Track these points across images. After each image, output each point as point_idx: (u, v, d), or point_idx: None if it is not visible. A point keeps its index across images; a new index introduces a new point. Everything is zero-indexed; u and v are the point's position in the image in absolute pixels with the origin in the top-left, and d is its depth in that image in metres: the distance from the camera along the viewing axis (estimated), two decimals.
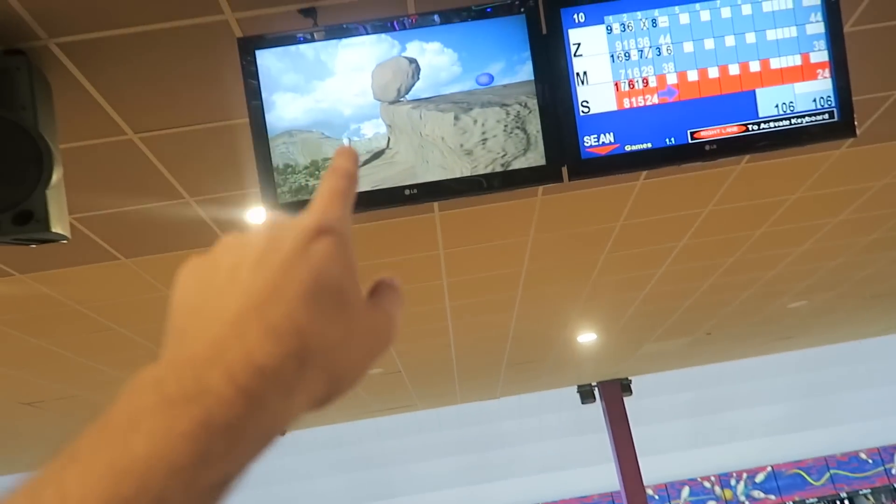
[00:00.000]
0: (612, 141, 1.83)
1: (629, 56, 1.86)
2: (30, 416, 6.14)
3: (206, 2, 1.90)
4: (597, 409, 10.80)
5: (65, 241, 2.01)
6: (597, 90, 1.84)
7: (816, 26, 1.88)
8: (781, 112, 1.88)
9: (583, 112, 1.84)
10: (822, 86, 1.86)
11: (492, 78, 1.81)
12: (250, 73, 1.80)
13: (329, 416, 8.67)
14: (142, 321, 4.30)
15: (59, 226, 1.82)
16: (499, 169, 1.81)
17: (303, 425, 8.97)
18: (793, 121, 1.88)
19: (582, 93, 1.84)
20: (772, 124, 1.87)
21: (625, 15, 1.85)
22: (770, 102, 1.88)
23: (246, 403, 0.33)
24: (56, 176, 1.83)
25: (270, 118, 1.80)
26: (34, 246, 1.95)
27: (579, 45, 1.85)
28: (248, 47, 1.81)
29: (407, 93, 1.79)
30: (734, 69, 1.88)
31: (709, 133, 1.85)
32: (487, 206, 3.45)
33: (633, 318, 6.19)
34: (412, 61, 1.79)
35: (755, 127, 1.87)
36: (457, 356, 6.50)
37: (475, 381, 7.82)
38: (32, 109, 1.83)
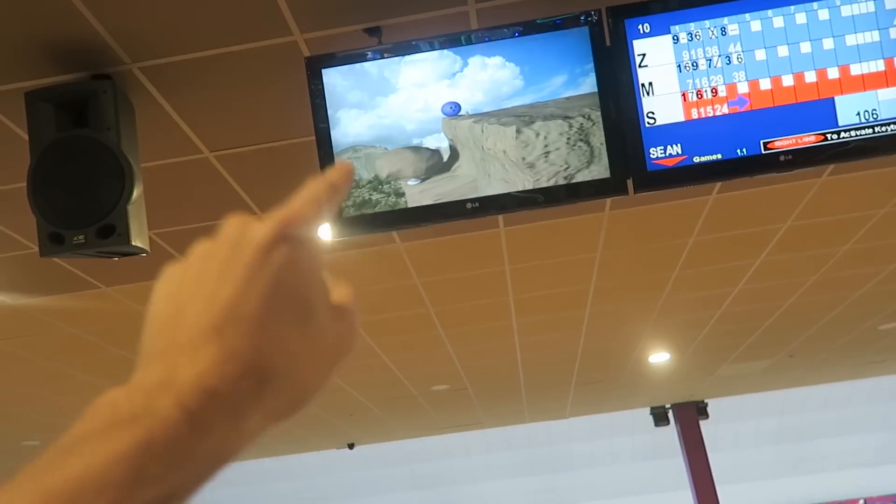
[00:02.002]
0: (680, 152, 1.78)
1: (697, 65, 1.81)
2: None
3: (276, 24, 1.97)
4: (671, 432, 10.43)
5: (144, 255, 2.11)
6: (663, 101, 1.80)
7: None
8: (864, 120, 1.78)
9: (648, 123, 1.80)
10: None
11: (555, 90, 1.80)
12: (317, 91, 1.85)
13: (396, 432, 8.72)
14: None
15: (139, 240, 1.91)
16: (562, 182, 1.79)
17: (370, 440, 9.06)
18: (877, 129, 1.78)
19: (647, 104, 1.80)
20: (853, 133, 1.78)
21: (692, 24, 1.81)
22: (851, 110, 1.78)
23: (191, 426, 0.32)
24: (136, 192, 1.93)
25: (336, 134, 1.84)
26: (117, 259, 2.06)
27: (644, 55, 1.82)
28: (315, 66, 1.87)
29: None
30: (811, 76, 1.80)
31: (783, 143, 1.78)
32: (553, 221, 3.41)
33: (709, 338, 5.97)
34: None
35: (835, 136, 1.78)
36: (524, 374, 6.43)
37: (543, 400, 7.70)
38: (116, 130, 1.93)
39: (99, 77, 2.01)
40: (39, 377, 4.90)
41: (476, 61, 1.82)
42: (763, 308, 5.30)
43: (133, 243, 1.86)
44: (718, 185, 3.23)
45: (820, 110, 1.79)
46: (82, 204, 1.83)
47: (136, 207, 1.95)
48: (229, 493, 14.57)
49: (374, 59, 1.86)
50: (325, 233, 3.18)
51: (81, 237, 1.79)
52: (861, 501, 14.74)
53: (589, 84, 1.80)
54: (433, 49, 1.85)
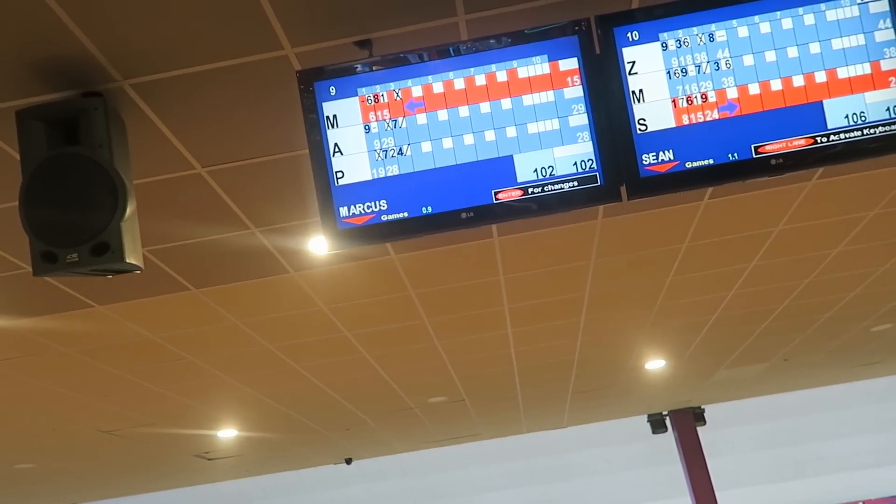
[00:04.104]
0: (672, 158, 1.79)
1: (686, 72, 1.82)
2: (108, 443, 6.39)
3: (266, 38, 1.97)
4: (669, 439, 10.42)
5: (139, 272, 2.10)
6: (654, 107, 1.81)
7: (886, 33, 1.80)
8: (852, 123, 1.80)
9: (640, 130, 1.81)
10: None
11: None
12: (309, 104, 1.85)
13: (393, 445, 8.67)
14: (211, 350, 4.43)
15: (133, 256, 1.90)
16: (555, 191, 1.80)
17: (368, 455, 9.01)
18: (865, 131, 1.80)
19: (638, 111, 1.81)
20: (842, 136, 1.80)
21: (680, 31, 1.83)
22: (839, 113, 1.80)
23: None
24: (130, 209, 1.92)
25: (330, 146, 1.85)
26: (111, 276, 2.04)
27: (634, 63, 1.83)
28: (307, 79, 1.87)
29: None
30: (798, 80, 1.81)
31: (774, 147, 1.79)
32: (547, 230, 3.42)
33: (704, 343, 5.98)
34: None
35: (824, 139, 1.79)
36: (521, 383, 6.42)
37: (541, 410, 7.69)
38: (108, 147, 1.93)
39: (90, 94, 2.01)
40: (32, 398, 4.85)
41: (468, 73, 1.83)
42: (757, 312, 5.32)
43: (127, 260, 1.85)
44: (710, 190, 3.25)
45: (809, 114, 1.81)
46: (75, 222, 1.83)
47: (130, 224, 1.94)
48: None
49: (366, 71, 1.87)
50: (321, 246, 3.18)
51: (75, 255, 1.78)
52: (860, 503, 14.73)
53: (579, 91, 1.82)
54: (424, 61, 1.86)
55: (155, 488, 10.27)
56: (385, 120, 1.85)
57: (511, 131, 1.84)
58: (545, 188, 1.81)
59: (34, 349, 3.94)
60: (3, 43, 1.84)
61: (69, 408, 5.20)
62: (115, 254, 1.81)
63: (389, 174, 1.83)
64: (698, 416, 9.64)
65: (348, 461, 9.64)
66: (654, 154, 1.79)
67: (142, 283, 3.32)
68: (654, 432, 9.71)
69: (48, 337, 3.79)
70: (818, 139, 1.79)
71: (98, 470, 7.66)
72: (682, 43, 1.82)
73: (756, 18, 1.81)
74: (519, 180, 1.82)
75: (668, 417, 9.68)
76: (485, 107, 1.85)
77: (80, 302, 3.42)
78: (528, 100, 1.84)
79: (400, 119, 1.85)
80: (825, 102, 1.81)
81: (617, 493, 15.12)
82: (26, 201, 1.87)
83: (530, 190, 1.81)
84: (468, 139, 1.84)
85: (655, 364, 6.42)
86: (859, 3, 1.81)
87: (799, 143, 1.79)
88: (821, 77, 1.82)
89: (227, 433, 6.81)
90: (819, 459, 14.71)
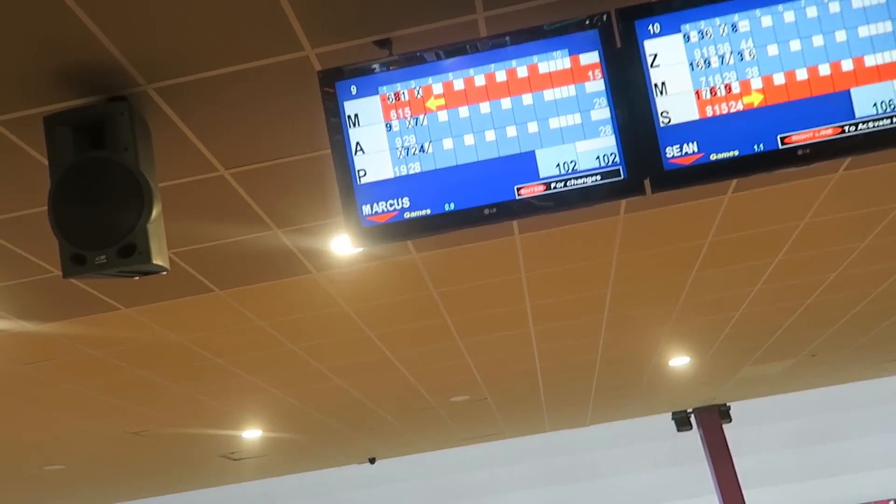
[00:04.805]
0: (696, 150, 1.77)
1: (709, 63, 1.80)
2: (135, 444, 6.47)
3: (287, 40, 1.99)
4: (694, 437, 10.32)
5: (164, 273, 2.12)
6: (677, 100, 1.79)
7: None
8: (881, 111, 1.77)
9: (663, 123, 1.79)
10: None
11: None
12: (331, 104, 1.86)
13: (416, 445, 8.69)
14: (235, 351, 4.47)
15: (159, 257, 1.92)
16: (578, 185, 1.79)
17: (390, 455, 9.03)
18: (895, 119, 1.76)
19: (661, 104, 1.80)
20: (871, 124, 1.76)
21: (702, 22, 1.81)
22: (867, 101, 1.77)
23: None
24: (156, 211, 1.94)
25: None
26: (137, 278, 2.07)
27: (656, 55, 1.82)
28: (328, 79, 1.88)
29: None
30: (825, 69, 1.79)
31: (801, 137, 1.76)
32: (568, 226, 3.40)
33: (729, 339, 5.92)
34: None
35: (852, 128, 1.76)
36: (543, 382, 6.40)
37: (564, 408, 7.65)
38: (134, 150, 1.95)
39: (115, 99, 2.04)
40: (61, 400, 4.93)
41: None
42: (783, 308, 5.25)
43: (154, 261, 1.87)
44: (734, 184, 3.22)
45: (836, 103, 1.78)
46: (103, 224, 1.85)
47: (156, 226, 1.97)
48: None
49: (385, 70, 1.87)
50: (344, 246, 3.20)
51: (103, 257, 1.81)
52: (891, 502, 14.47)
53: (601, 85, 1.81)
54: (444, 58, 1.86)
55: (181, 489, 10.39)
56: (406, 118, 1.85)
57: (532, 126, 1.83)
58: (568, 183, 1.80)
59: (62, 352, 4.00)
60: (29, 51, 1.88)
61: (97, 409, 5.28)
62: (142, 255, 1.83)
63: (412, 172, 1.83)
64: (724, 414, 9.53)
65: (372, 461, 9.68)
66: (678, 147, 1.77)
67: (167, 286, 3.36)
68: (678, 430, 9.62)
69: (76, 340, 3.85)
70: (846, 128, 1.76)
71: (125, 471, 7.76)
72: (704, 34, 1.80)
73: (780, 7, 1.79)
74: (541, 175, 1.81)
75: (693, 415, 9.59)
76: (506, 103, 1.84)
77: (106, 304, 3.47)
78: (549, 94, 1.84)
79: (421, 117, 1.85)
80: (853, 91, 1.78)
81: (642, 492, 14.99)
82: (55, 205, 1.90)
83: (553, 185, 1.80)
84: (489, 135, 1.84)
85: (679, 361, 6.36)
86: None
87: (826, 132, 1.76)
88: (847, 65, 1.79)
89: (252, 433, 6.87)
90: (847, 457, 14.47)
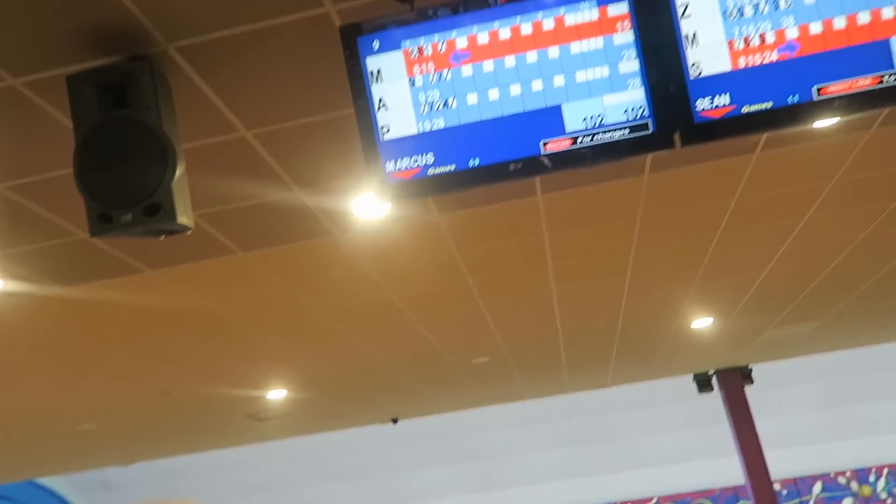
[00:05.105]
0: (728, 103, 1.72)
1: (743, 13, 1.74)
2: (164, 404, 6.63)
3: None
4: (715, 399, 10.33)
5: (189, 233, 2.13)
6: (708, 51, 1.74)
7: None
8: None
9: (694, 75, 1.74)
10: None
11: None
12: (353, 60, 1.83)
13: (436, 405, 8.79)
14: (259, 313, 4.52)
15: (184, 217, 1.93)
16: (605, 140, 1.75)
17: (411, 415, 9.16)
18: None
19: (692, 55, 1.74)
20: None
21: None
22: None
23: None
24: (179, 170, 1.94)
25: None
26: (163, 237, 2.08)
27: (687, 6, 1.76)
28: (349, 35, 1.85)
29: None
30: (864, 17, 1.72)
31: (837, 88, 1.70)
32: (592, 186, 3.36)
33: (753, 300, 5.86)
34: None
35: (891, 78, 1.70)
36: (564, 343, 6.41)
37: (584, 369, 7.68)
38: (156, 109, 1.95)
39: (136, 58, 2.03)
40: (90, 362, 5.04)
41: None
42: (809, 269, 5.17)
43: (178, 220, 1.88)
44: (762, 141, 3.14)
45: (874, 52, 1.71)
46: (128, 184, 1.86)
47: (180, 185, 1.97)
48: (276, 472, 14.92)
49: (406, 24, 1.83)
50: (366, 207, 3.19)
51: (129, 216, 1.82)
52: None
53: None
54: (466, 11, 1.81)
55: (208, 447, 10.66)
56: (430, 73, 1.82)
57: (559, 80, 1.79)
58: (595, 137, 1.76)
59: (90, 314, 4.07)
60: (51, 11, 1.86)
61: (125, 370, 5.39)
62: (167, 214, 1.84)
63: (435, 127, 1.80)
64: (746, 376, 9.52)
65: (394, 421, 9.83)
66: (709, 99, 1.72)
67: (190, 247, 3.39)
68: (700, 392, 9.63)
69: (102, 302, 3.91)
70: (885, 78, 1.70)
71: (155, 430, 7.97)
72: None
73: None
74: (567, 130, 1.77)
75: (714, 377, 9.58)
76: (531, 56, 1.80)
77: (131, 267, 3.51)
78: (576, 47, 1.79)
79: (445, 71, 1.81)
80: (892, 40, 1.71)
81: (662, 453, 15.10)
82: (80, 165, 1.91)
83: (579, 139, 1.77)
84: (515, 90, 1.80)
85: (702, 322, 6.33)
86: None
87: (864, 82, 1.70)
88: (888, 13, 1.71)
89: (277, 394, 6.99)
90: (870, 419, 14.42)
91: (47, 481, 17.68)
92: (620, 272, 4.67)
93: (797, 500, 15.02)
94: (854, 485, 15.22)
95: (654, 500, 15.78)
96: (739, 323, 6.56)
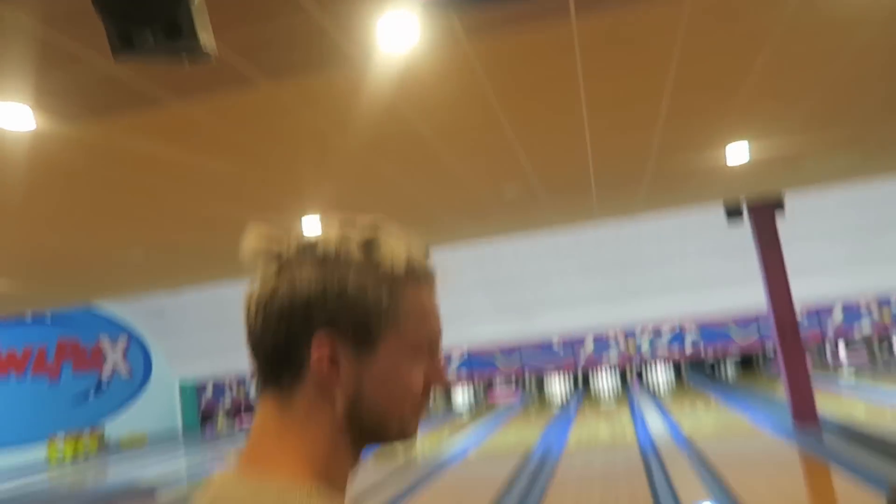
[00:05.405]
0: None
1: None
2: (202, 230, 6.91)
3: None
4: (741, 232, 10.35)
5: (211, 61, 2.09)
6: None
7: None
8: None
9: None
10: None
11: None
12: None
13: (466, 230, 8.98)
14: (289, 146, 4.54)
15: (205, 38, 1.89)
16: None
17: (442, 242, 9.40)
18: None
19: None
20: None
21: None
22: None
23: None
24: None
25: None
26: (187, 65, 2.05)
27: None
28: None
29: None
30: None
31: None
32: (628, 9, 3.15)
33: (793, 124, 5.68)
34: None
35: None
36: (594, 168, 6.38)
37: (614, 193, 7.69)
38: None
39: None
40: (138, 189, 5.21)
41: None
42: (856, 92, 4.93)
43: (200, 42, 1.84)
44: None
45: None
46: (146, 2, 1.80)
47: (199, 7, 1.90)
48: None
49: None
50: (392, 36, 3.06)
51: (150, 36, 1.78)
52: None
53: None
54: None
55: (242, 275, 11.21)
56: None
57: None
58: None
59: (118, 148, 4.13)
60: None
61: (156, 201, 5.58)
62: (188, 34, 1.79)
63: None
64: (777, 205, 9.45)
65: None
66: None
67: (215, 77, 3.34)
68: (729, 219, 9.61)
69: (147, 132, 3.95)
70: None
71: (199, 257, 8.39)
72: None
73: None
74: None
75: (744, 206, 9.53)
76: None
77: (155, 99, 3.50)
78: None
79: None
80: None
81: (688, 280, 15.51)
82: None
83: None
84: None
85: (737, 146, 6.19)
86: None
87: None
88: None
89: (311, 219, 7.20)
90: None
91: (109, 310, 19.04)
92: (656, 96, 4.51)
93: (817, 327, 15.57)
94: (875, 308, 15.63)
95: (678, 324, 16.49)
96: (776, 148, 6.40)
